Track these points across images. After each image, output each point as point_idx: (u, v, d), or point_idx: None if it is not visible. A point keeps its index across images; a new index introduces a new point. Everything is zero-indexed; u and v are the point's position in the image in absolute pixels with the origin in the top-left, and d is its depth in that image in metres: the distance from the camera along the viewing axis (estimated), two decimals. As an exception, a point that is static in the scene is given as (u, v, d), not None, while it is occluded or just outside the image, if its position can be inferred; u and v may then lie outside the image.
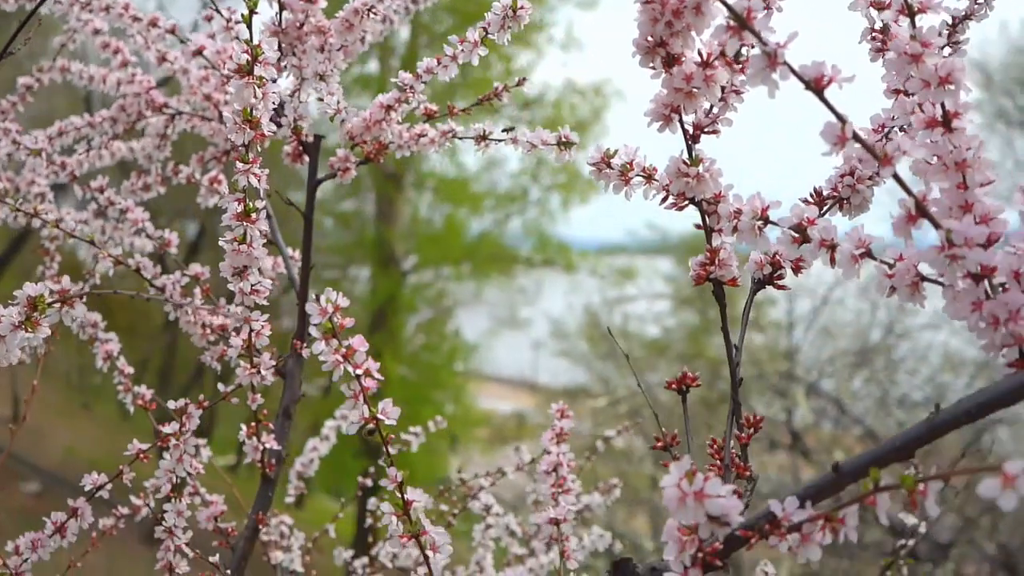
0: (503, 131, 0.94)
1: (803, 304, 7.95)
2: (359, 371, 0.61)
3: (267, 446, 0.95)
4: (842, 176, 0.66)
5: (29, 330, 0.66)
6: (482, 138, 0.93)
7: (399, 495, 0.63)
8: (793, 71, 0.49)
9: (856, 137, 0.49)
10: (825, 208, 0.67)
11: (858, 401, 6.71)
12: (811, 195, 0.68)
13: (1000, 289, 0.50)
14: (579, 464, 1.18)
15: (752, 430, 0.62)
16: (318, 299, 0.59)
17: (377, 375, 0.61)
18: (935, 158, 0.53)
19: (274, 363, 0.89)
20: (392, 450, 0.66)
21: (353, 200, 11.70)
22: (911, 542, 1.07)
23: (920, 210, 0.50)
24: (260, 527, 0.97)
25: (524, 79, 0.97)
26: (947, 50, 0.70)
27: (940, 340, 7.33)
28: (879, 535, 6.26)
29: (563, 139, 0.82)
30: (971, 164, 0.52)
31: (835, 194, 0.67)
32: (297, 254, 1.07)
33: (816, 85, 0.50)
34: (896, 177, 0.50)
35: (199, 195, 1.19)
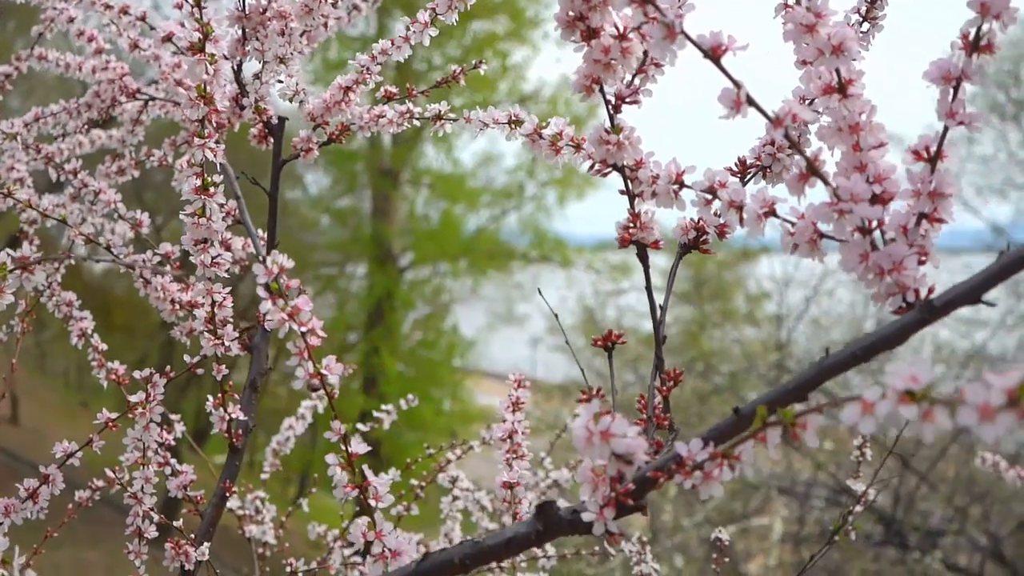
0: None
1: (796, 296, 8.00)
2: (304, 328, 0.64)
3: (233, 416, 0.99)
4: (764, 145, 0.70)
5: (-7, 296, 0.70)
6: (437, 117, 0.96)
7: (343, 447, 0.67)
8: (691, 40, 0.53)
9: (750, 101, 0.53)
10: (749, 176, 0.71)
11: (850, 392, 6.75)
12: (735, 164, 0.71)
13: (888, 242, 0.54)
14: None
15: (672, 383, 0.66)
16: (264, 261, 0.63)
17: (321, 333, 0.65)
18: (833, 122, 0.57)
19: (237, 335, 0.93)
20: (323, 405, 0.70)
21: (350, 197, 11.74)
22: (858, 508, 1.11)
23: (811, 169, 0.54)
24: (227, 494, 1.01)
25: (480, 61, 1.01)
26: (865, 25, 0.74)
27: (930, 331, 7.38)
28: (869, 527, 6.30)
29: (513, 118, 0.86)
30: (864, 128, 0.56)
31: (758, 163, 0.71)
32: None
33: (714, 54, 0.53)
34: (788, 138, 0.54)
35: (173, 179, 1.23)
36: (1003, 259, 0.49)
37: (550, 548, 1.28)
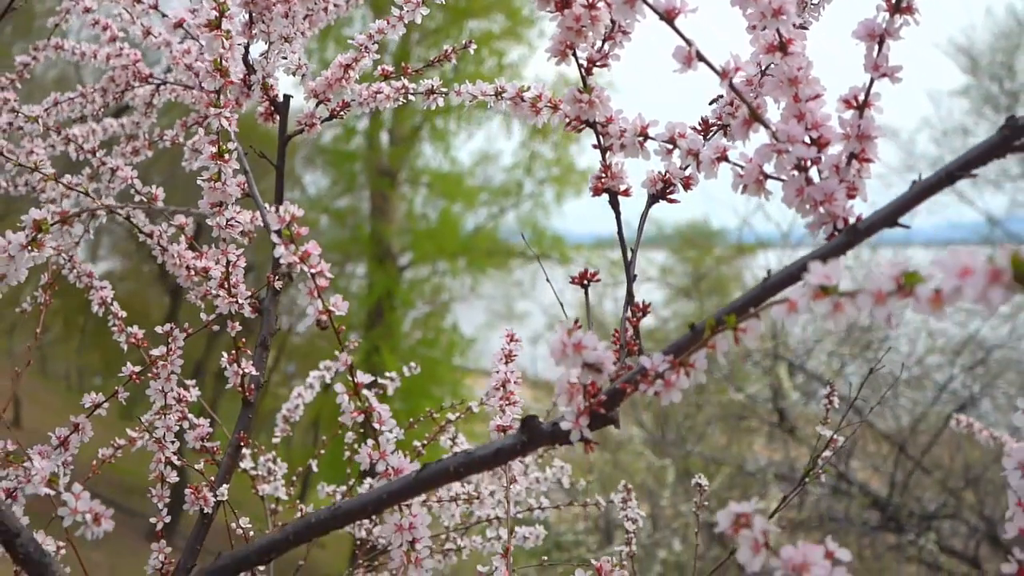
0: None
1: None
2: (314, 270, 0.73)
3: (247, 372, 1.07)
4: (723, 106, 0.78)
5: (34, 249, 0.78)
6: (430, 92, 1.04)
7: (350, 377, 0.75)
8: (648, 4, 0.61)
9: (700, 56, 0.61)
10: (711, 133, 0.79)
11: (844, 381, 6.84)
12: (698, 122, 0.79)
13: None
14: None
15: (641, 314, 0.74)
16: (278, 209, 0.71)
17: (329, 275, 0.73)
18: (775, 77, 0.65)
19: (249, 294, 1.01)
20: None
21: (348, 197, 11.81)
22: (827, 453, 1.19)
23: (753, 115, 0.62)
24: (241, 444, 1.09)
25: (470, 42, 1.09)
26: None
27: (925, 322, 7.47)
28: (863, 512, 6.38)
29: (499, 90, 0.94)
30: (802, 81, 0.64)
31: (719, 121, 0.79)
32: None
33: (669, 16, 0.62)
34: (733, 88, 0.62)
35: (183, 159, 1.31)
36: (915, 187, 0.57)
37: (544, 500, 1.37)
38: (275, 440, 1.52)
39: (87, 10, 1.30)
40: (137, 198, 1.19)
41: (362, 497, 0.70)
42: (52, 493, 0.73)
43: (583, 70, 0.72)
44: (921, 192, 0.57)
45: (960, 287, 0.41)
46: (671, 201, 0.78)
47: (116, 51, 1.29)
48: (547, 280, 1.07)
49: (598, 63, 0.72)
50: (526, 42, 11.34)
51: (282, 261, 0.72)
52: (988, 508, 6.17)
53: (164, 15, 1.19)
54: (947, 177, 0.56)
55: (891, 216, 0.58)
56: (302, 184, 11.45)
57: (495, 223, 12.24)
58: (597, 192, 0.74)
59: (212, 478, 1.05)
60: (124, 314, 1.21)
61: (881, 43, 0.63)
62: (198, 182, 0.90)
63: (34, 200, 1.45)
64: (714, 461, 6.30)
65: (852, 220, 0.61)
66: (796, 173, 0.62)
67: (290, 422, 1.55)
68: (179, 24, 1.16)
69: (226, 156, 0.86)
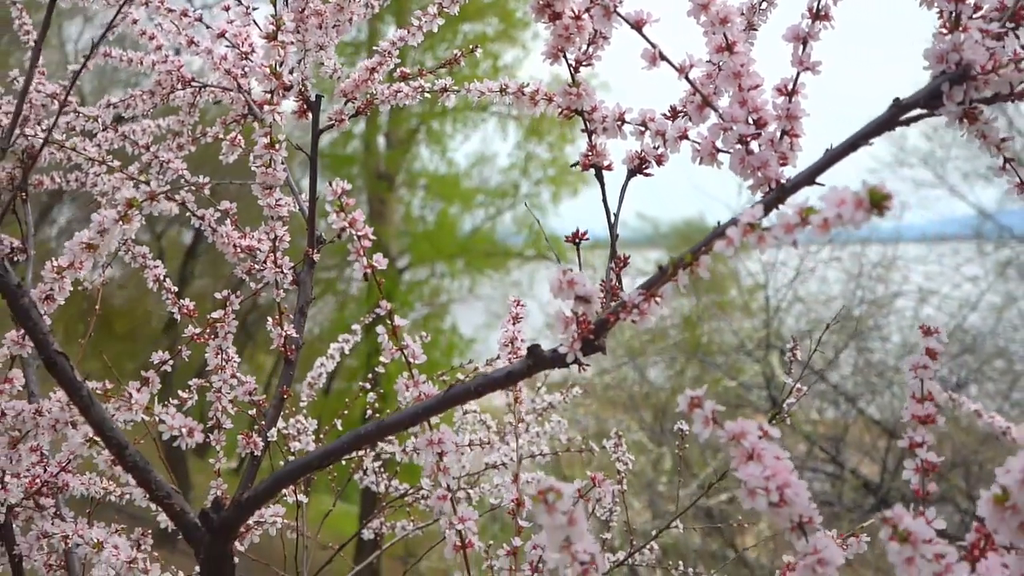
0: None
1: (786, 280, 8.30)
2: (360, 233, 0.90)
3: (288, 334, 1.24)
4: (687, 96, 0.96)
5: (125, 223, 0.95)
6: (444, 90, 1.22)
7: (389, 321, 0.92)
8: (623, 17, 0.79)
9: (662, 56, 0.79)
10: (678, 117, 0.96)
11: (835, 369, 7.03)
12: (668, 110, 0.97)
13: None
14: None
15: (623, 264, 0.92)
16: (331, 183, 0.88)
17: (371, 236, 0.90)
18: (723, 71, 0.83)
19: (293, 265, 1.18)
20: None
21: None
22: (791, 402, 1.36)
23: (705, 102, 0.80)
24: (284, 396, 1.26)
25: (476, 46, 1.27)
26: (765, 3, 1.00)
27: (912, 308, 7.67)
28: (857, 496, 6.57)
29: (503, 87, 1.11)
30: (744, 74, 0.82)
31: (684, 109, 0.96)
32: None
33: (638, 25, 0.79)
34: (689, 81, 0.80)
35: (221, 153, 1.48)
36: (826, 154, 0.75)
37: (544, 447, 1.54)
38: (302, 404, 1.70)
39: (135, 21, 1.47)
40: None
41: (402, 413, 0.88)
42: (148, 419, 0.91)
43: (572, 68, 0.89)
44: (831, 158, 0.75)
45: (839, 214, 0.59)
46: (646, 175, 0.96)
47: (161, 58, 1.46)
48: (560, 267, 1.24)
49: (584, 63, 0.89)
50: (520, 44, 11.51)
51: (335, 226, 0.90)
52: (976, 491, 6.35)
53: (208, 26, 1.36)
54: (850, 146, 0.74)
55: (809, 177, 0.76)
56: (301, 188, 11.56)
57: (492, 224, 12.41)
58: (585, 167, 0.92)
59: (261, 423, 1.22)
60: (175, 289, 1.39)
61: (804, 43, 0.80)
62: (251, 167, 1.07)
63: (83, 194, 1.62)
64: (709, 447, 6.47)
65: (783, 181, 0.79)
66: (739, 146, 0.80)
67: (314, 388, 1.72)
68: (222, 34, 1.34)
69: (276, 146, 1.04)
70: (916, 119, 0.74)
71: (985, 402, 6.93)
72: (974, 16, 0.75)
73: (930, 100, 0.72)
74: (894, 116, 0.73)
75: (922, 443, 0.79)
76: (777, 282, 7.76)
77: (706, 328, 8.39)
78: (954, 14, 0.73)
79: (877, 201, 0.57)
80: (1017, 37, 0.74)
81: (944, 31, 0.73)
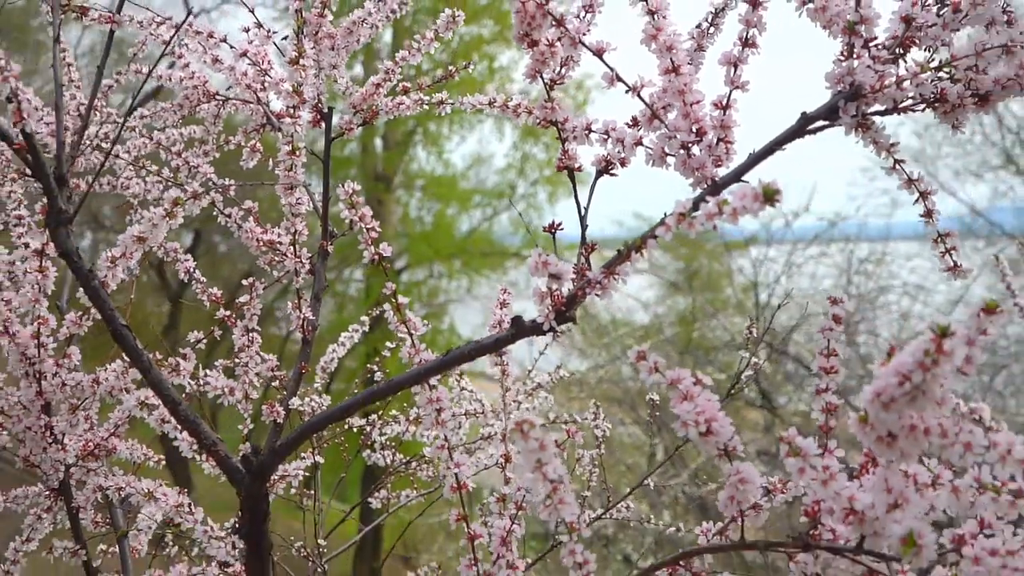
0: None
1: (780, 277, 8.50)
2: (368, 226, 1.08)
3: (306, 316, 1.42)
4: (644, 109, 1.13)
5: (171, 218, 1.13)
6: (441, 102, 1.40)
7: (394, 300, 1.10)
8: (585, 45, 0.97)
9: (618, 78, 0.96)
10: (638, 127, 1.14)
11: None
12: (630, 119, 1.15)
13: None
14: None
15: (591, 249, 1.10)
16: (342, 184, 1.06)
17: (378, 229, 1.08)
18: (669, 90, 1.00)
19: (310, 255, 1.36)
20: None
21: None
22: (748, 373, 1.54)
23: (654, 115, 0.98)
24: (303, 372, 1.44)
25: (470, 62, 1.44)
26: (712, 28, 1.17)
27: (898, 304, 7.87)
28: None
29: (492, 100, 1.29)
30: (687, 92, 1.00)
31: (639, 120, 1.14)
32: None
33: (599, 52, 0.97)
34: (640, 98, 0.97)
35: (242, 159, 1.66)
36: (749, 157, 0.93)
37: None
38: (316, 385, 1.88)
39: (165, 43, 1.65)
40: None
41: (407, 373, 1.05)
42: (195, 385, 1.08)
43: (547, 86, 1.07)
44: (753, 160, 0.93)
45: (743, 205, 0.76)
46: (612, 175, 1.14)
47: (188, 74, 1.64)
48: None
49: (557, 82, 1.07)
50: (516, 46, 11.65)
51: (347, 220, 1.07)
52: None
53: (232, 46, 1.54)
54: (768, 151, 0.92)
55: (735, 176, 0.93)
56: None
57: (489, 225, 12.57)
58: (560, 168, 1.09)
59: (282, 394, 1.40)
60: (204, 279, 1.56)
61: (735, 66, 0.98)
62: (275, 171, 1.25)
63: (117, 196, 1.80)
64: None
65: (716, 180, 0.97)
66: (682, 151, 0.97)
67: (327, 372, 1.90)
68: (244, 53, 1.52)
69: (297, 152, 1.22)
70: (820, 129, 0.92)
71: (970, 393, 7.12)
72: (872, 43, 0.93)
73: (829, 113, 0.90)
74: (802, 126, 0.91)
75: (827, 389, 0.97)
76: (768, 278, 7.96)
77: (699, 325, 8.58)
78: (848, 44, 0.90)
79: (769, 195, 0.75)
80: (905, 61, 0.93)
81: (841, 58, 0.91)
